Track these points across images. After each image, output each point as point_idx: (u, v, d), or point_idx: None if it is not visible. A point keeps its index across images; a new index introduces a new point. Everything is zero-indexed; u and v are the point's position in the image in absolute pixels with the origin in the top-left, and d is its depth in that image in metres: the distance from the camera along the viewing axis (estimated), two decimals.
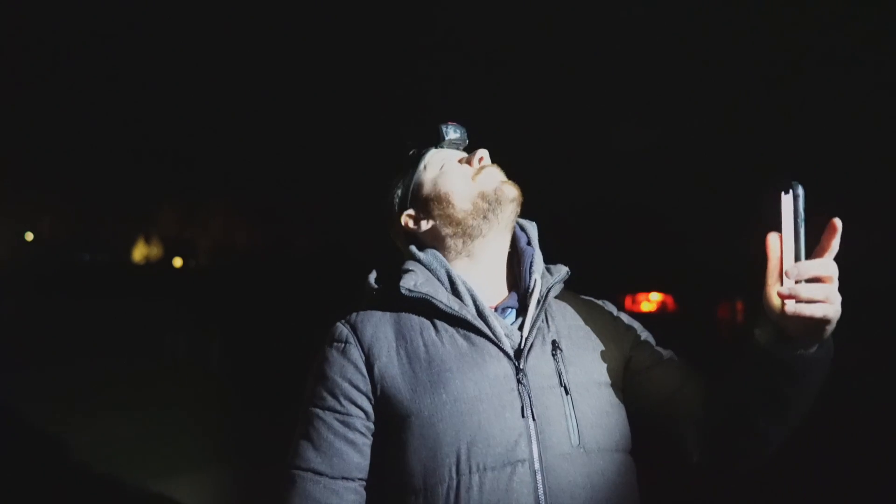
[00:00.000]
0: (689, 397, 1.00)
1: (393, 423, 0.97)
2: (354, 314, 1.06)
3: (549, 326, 1.03)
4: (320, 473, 0.97)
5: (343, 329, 1.04)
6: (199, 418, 5.46)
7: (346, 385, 0.99)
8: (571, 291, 1.14)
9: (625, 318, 1.13)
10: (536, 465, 0.91)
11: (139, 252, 40.87)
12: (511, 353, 0.97)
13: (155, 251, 40.36)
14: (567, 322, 1.06)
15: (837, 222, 0.77)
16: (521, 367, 0.96)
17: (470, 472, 0.91)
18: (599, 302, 1.16)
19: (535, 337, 1.00)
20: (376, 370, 0.98)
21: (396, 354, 0.99)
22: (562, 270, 1.10)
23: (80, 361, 8.20)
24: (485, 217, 1.05)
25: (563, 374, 0.97)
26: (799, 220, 0.78)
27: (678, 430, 1.00)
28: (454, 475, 0.91)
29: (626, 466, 0.99)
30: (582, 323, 1.07)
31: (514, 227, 1.12)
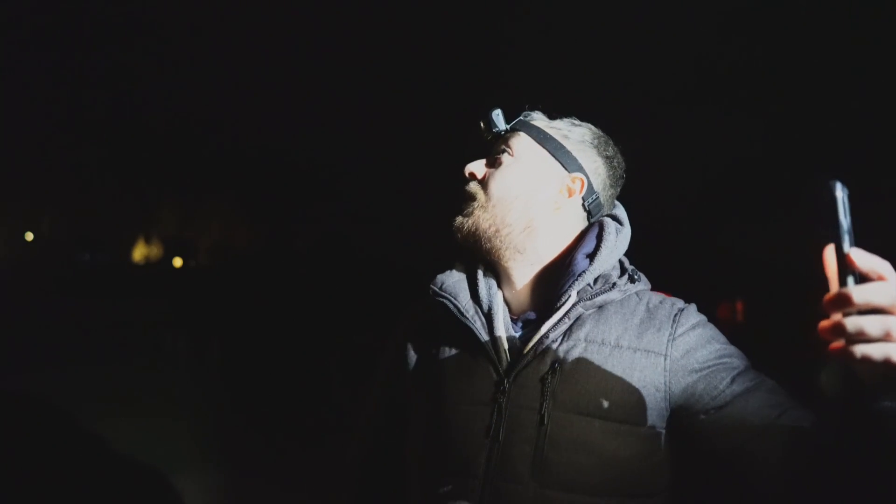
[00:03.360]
0: (770, 445, 0.81)
1: (399, 406, 1.07)
2: (415, 307, 1.15)
3: (563, 342, 0.93)
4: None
5: (401, 321, 1.15)
6: (199, 418, 5.45)
7: (393, 356, 1.12)
8: (650, 294, 1.01)
9: (692, 337, 0.93)
10: (485, 485, 0.90)
11: (139, 252, 40.86)
12: (503, 368, 0.94)
13: (155, 251, 40.35)
14: (591, 337, 0.94)
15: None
16: (506, 384, 0.92)
17: (430, 471, 0.95)
18: (671, 313, 0.96)
19: (538, 354, 0.93)
20: (405, 354, 1.08)
21: (422, 346, 1.07)
22: (609, 280, 0.97)
23: (80, 362, 8.19)
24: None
25: (547, 399, 0.89)
26: (841, 233, 0.57)
27: (754, 481, 0.84)
28: (418, 470, 0.98)
29: None
30: (612, 339, 0.93)
31: (589, 231, 1.03)
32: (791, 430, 0.80)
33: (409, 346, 1.08)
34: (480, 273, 1.05)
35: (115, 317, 13.41)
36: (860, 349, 0.56)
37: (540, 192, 1.01)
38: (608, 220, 1.05)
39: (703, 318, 0.98)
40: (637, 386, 0.90)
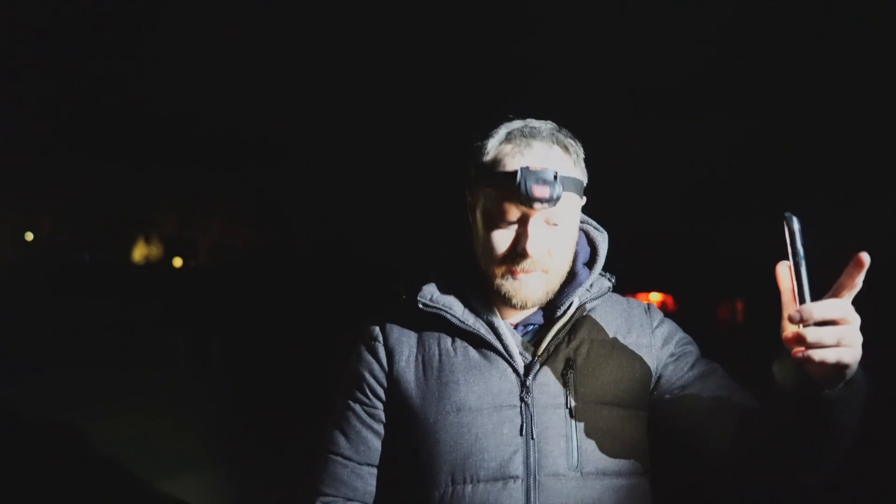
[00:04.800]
0: (722, 423, 0.93)
1: (401, 423, 1.03)
2: (386, 314, 1.10)
3: (569, 342, 1.00)
4: (348, 458, 1.06)
5: (374, 328, 1.09)
6: (199, 418, 5.46)
7: (371, 380, 1.06)
8: (616, 296, 1.10)
9: (665, 329, 1.07)
10: (529, 484, 0.93)
11: (139, 252, 40.86)
12: (521, 369, 0.98)
13: (155, 251, 40.35)
14: (592, 336, 1.02)
15: (865, 258, 0.68)
16: (528, 384, 0.96)
17: (464, 483, 0.94)
18: (642, 308, 1.09)
19: (550, 354, 0.99)
20: (395, 371, 1.04)
21: (414, 360, 1.04)
22: (603, 286, 1.06)
23: (80, 362, 8.19)
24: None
25: (570, 394, 0.96)
26: (798, 259, 0.70)
27: (708, 454, 0.96)
28: (449, 483, 0.95)
29: (630, 491, 0.97)
30: (609, 336, 1.03)
31: (577, 239, 1.06)
32: (740, 408, 0.92)
33: (397, 360, 1.04)
34: (470, 286, 1.05)
35: (115, 317, 13.43)
36: (818, 354, 0.68)
37: (576, 235, 1.04)
38: (591, 228, 1.11)
39: (661, 312, 1.11)
40: (637, 375, 1.01)
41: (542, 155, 0.96)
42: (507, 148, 0.97)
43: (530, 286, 0.97)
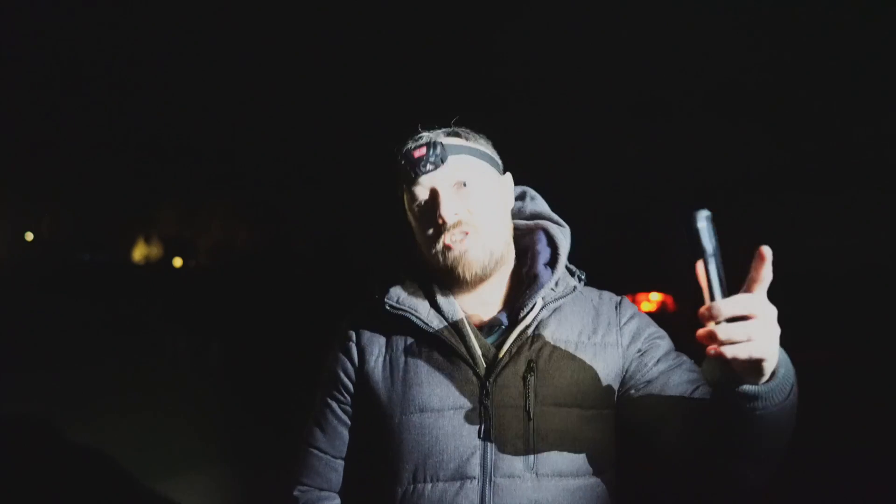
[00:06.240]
0: (680, 418, 0.93)
1: (370, 420, 1.06)
2: (360, 314, 1.13)
3: (532, 343, 1.01)
4: (324, 452, 1.10)
5: (348, 326, 1.12)
6: (200, 418, 5.45)
7: (345, 378, 1.09)
8: (588, 290, 1.11)
9: (634, 325, 1.07)
10: (485, 484, 0.95)
11: (139, 252, 40.88)
12: (482, 372, 0.99)
13: (155, 251, 40.37)
14: (556, 336, 1.02)
15: (766, 251, 0.68)
16: (488, 387, 0.98)
17: (424, 481, 0.97)
18: (613, 304, 1.09)
19: (513, 356, 1.00)
20: (365, 370, 1.07)
21: (382, 360, 1.06)
22: (569, 284, 1.06)
23: (80, 362, 8.19)
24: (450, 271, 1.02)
25: (530, 397, 0.97)
26: (707, 256, 0.69)
27: (663, 448, 0.95)
28: (411, 481, 0.98)
29: (588, 491, 0.98)
30: (574, 336, 1.03)
31: (536, 238, 1.09)
32: (700, 403, 0.92)
33: (367, 359, 1.07)
34: (437, 286, 1.07)
35: (115, 316, 13.42)
36: (730, 351, 0.68)
37: (503, 203, 1.07)
38: (551, 225, 1.11)
39: (635, 307, 1.11)
40: (601, 375, 1.01)
41: (427, 135, 1.03)
42: (407, 144, 1.03)
43: (468, 251, 0.99)
